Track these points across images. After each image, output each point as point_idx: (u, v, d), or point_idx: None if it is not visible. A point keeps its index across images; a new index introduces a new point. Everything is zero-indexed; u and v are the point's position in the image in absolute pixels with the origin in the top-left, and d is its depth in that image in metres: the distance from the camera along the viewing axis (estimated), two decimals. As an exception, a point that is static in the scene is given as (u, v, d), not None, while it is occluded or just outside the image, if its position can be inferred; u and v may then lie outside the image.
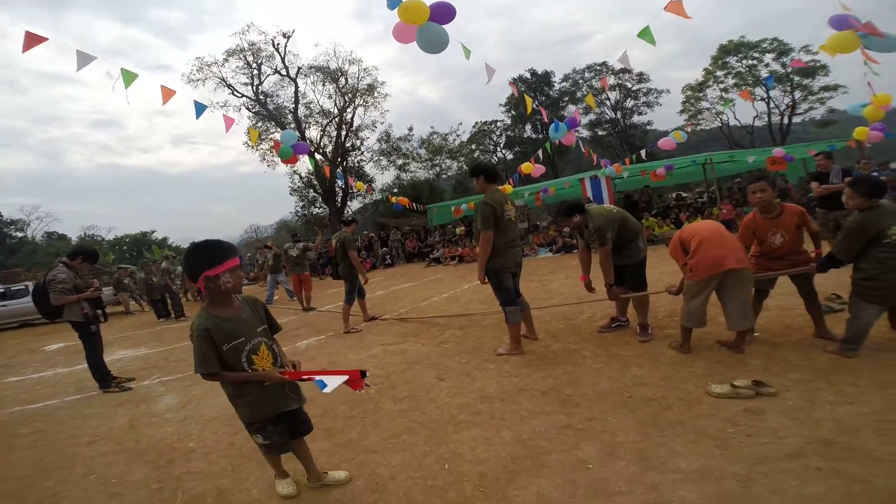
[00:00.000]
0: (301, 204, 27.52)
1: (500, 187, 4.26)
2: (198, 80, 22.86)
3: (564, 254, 12.01)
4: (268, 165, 24.26)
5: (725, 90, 30.38)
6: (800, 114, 29.89)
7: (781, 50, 28.36)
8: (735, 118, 32.28)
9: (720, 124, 32.61)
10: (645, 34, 4.69)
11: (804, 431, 2.24)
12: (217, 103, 23.53)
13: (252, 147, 22.63)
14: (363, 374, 2.02)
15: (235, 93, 23.71)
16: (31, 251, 36.44)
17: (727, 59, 30.10)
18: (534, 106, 7.27)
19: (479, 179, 4.08)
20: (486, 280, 4.03)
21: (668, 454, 2.22)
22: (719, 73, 30.61)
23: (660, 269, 6.56)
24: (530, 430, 2.66)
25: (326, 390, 1.93)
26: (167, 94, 4.86)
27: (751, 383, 2.69)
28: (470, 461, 2.42)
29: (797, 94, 28.96)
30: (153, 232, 42.50)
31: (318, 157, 24.55)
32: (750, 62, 29.54)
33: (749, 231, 3.51)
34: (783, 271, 3.42)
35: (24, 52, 3.72)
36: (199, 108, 5.28)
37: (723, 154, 14.31)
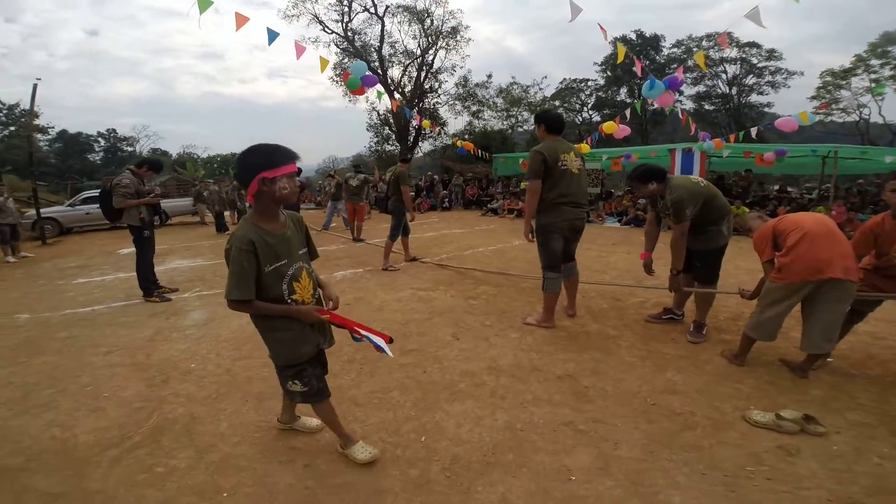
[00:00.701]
0: (376, 140, 27.68)
1: (574, 145, 3.69)
2: (293, 15, 22.96)
3: (634, 227, 10.99)
4: (349, 101, 24.43)
5: (877, 81, 25.26)
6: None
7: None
8: (879, 113, 27.08)
9: (857, 118, 27.62)
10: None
11: (833, 485, 1.83)
12: (309, 38, 23.72)
13: (336, 82, 22.74)
14: (390, 340, 1.83)
15: (326, 29, 23.58)
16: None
17: (890, 48, 24.74)
18: (627, 56, 6.29)
19: (540, 128, 3.59)
20: (532, 237, 3.59)
21: (665, 483, 1.83)
22: (875, 61, 25.26)
23: (736, 264, 5.72)
24: (527, 419, 2.33)
25: (359, 342, 1.81)
26: (240, 20, 4.71)
27: (800, 417, 2.18)
28: (450, 439, 2.16)
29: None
30: (241, 153, 45.28)
31: (396, 95, 24.29)
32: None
33: (869, 237, 2.71)
34: None
35: None
36: (272, 35, 5.14)
37: (853, 149, 11.95)
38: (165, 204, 15.09)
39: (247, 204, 11.42)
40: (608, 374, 2.81)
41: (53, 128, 41.36)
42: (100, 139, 46.24)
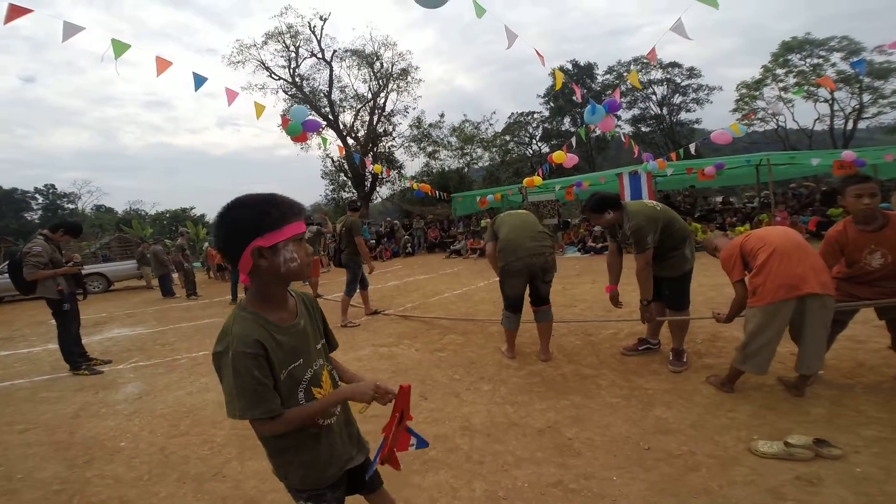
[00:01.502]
0: (332, 188, 27.43)
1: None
2: (238, 62, 22.93)
3: (594, 255, 11.13)
4: (301, 148, 24.21)
5: (785, 89, 28.08)
6: (867, 118, 27.30)
7: (852, 49, 25.77)
8: (793, 119, 29.89)
9: (776, 126, 30.26)
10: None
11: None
12: (255, 85, 23.66)
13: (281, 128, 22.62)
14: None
15: (273, 75, 23.64)
16: (80, 222, 38.22)
17: (789, 57, 27.73)
18: (565, 80, 6.46)
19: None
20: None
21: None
22: (779, 71, 28.26)
23: (699, 281, 5.70)
24: (510, 485, 2.06)
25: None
26: (162, 65, 4.44)
27: (811, 442, 2.03)
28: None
29: (866, 97, 26.39)
30: (192, 208, 43.80)
31: (349, 139, 24.35)
32: (815, 61, 27.10)
33: (836, 247, 2.67)
34: (876, 301, 2.61)
35: (5, 23, 3.35)
36: (199, 81, 4.87)
37: (782, 155, 12.89)
38: (107, 268, 14.10)
39: (195, 264, 10.76)
40: (592, 421, 2.59)
41: (-19, 184, 38.72)
42: (37, 196, 43.68)
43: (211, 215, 43.40)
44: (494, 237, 3.74)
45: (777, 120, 29.89)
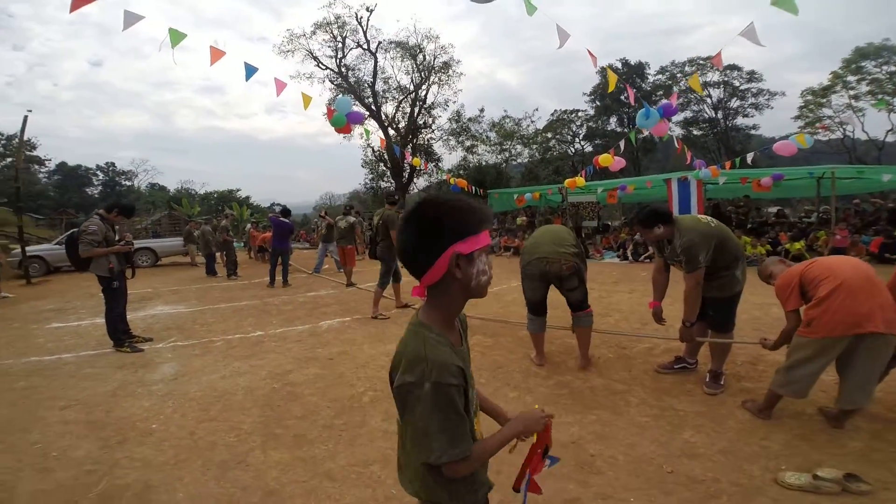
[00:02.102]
0: (371, 177, 27.82)
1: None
2: (287, 51, 23.50)
3: (633, 262, 10.74)
4: (344, 137, 24.64)
5: (856, 97, 26.02)
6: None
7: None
8: (863, 130, 27.68)
9: (842, 135, 28.16)
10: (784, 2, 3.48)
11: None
12: (303, 74, 24.22)
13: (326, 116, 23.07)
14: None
15: (320, 65, 24.11)
16: (135, 198, 40.54)
17: (863, 64, 25.63)
18: (618, 84, 6.19)
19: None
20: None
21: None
22: (851, 78, 26.17)
23: (744, 299, 5.34)
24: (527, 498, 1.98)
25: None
26: (216, 54, 4.57)
27: (841, 476, 1.93)
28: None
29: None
30: (238, 190, 45.43)
31: (390, 130, 24.56)
32: (892, 68, 24.91)
33: None
34: None
35: (71, 11, 3.51)
36: (250, 71, 5.00)
37: (848, 169, 11.92)
38: (156, 244, 14.86)
39: (237, 244, 11.15)
40: (617, 439, 2.49)
41: (51, 160, 41.55)
42: (98, 173, 46.56)
43: (256, 198, 45.03)
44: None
45: (844, 129, 27.84)
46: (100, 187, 45.87)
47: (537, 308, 3.60)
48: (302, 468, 2.31)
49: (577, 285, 3.43)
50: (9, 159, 32.99)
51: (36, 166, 38.47)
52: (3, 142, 33.90)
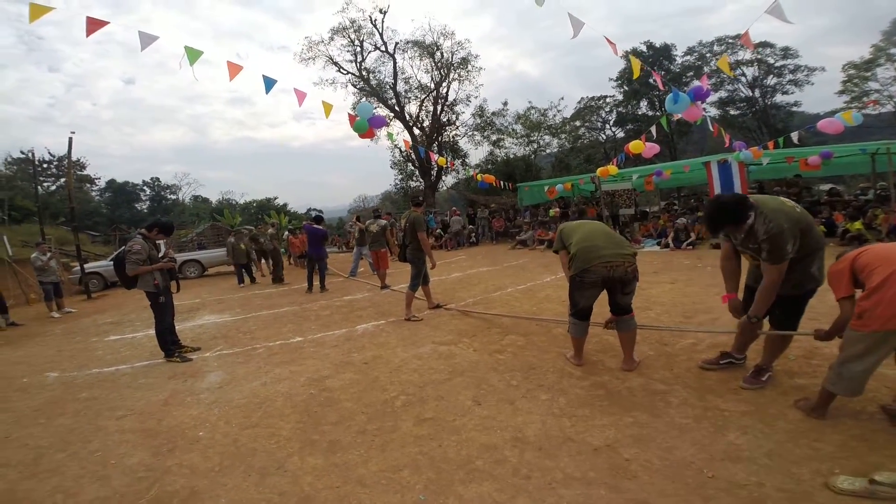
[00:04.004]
0: (400, 177, 28.08)
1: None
2: (308, 58, 24.05)
3: (674, 250, 10.33)
4: (371, 140, 25.00)
5: None
6: None
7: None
8: None
9: (893, 109, 26.15)
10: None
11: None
12: (326, 80, 24.74)
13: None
14: None
15: (341, 70, 24.55)
16: (180, 211, 42.61)
17: None
18: (642, 70, 5.97)
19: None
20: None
21: None
22: (894, 50, 24.38)
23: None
24: None
25: None
26: (233, 69, 4.73)
27: None
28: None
29: None
30: (276, 198, 46.91)
31: (415, 130, 24.69)
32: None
33: None
34: None
35: (87, 36, 3.71)
36: (269, 83, 5.15)
37: (906, 143, 11.02)
38: (201, 255, 15.56)
39: (286, 252, 11.69)
40: (655, 442, 2.40)
41: (100, 178, 44.07)
42: (145, 188, 49.14)
43: (292, 205, 46.33)
44: (563, 245, 3.52)
45: (894, 102, 25.82)
46: (147, 202, 48.37)
47: (587, 313, 3.41)
48: (336, 474, 2.37)
49: (634, 288, 3.30)
50: (62, 180, 35.32)
51: (87, 185, 41.00)
52: (55, 163, 36.14)
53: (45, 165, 35.33)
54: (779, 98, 30.15)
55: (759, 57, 29.05)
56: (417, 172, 25.83)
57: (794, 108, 30.05)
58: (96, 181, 43.16)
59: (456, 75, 24.47)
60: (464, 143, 26.37)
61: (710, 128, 9.08)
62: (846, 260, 2.35)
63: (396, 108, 24.42)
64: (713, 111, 30.68)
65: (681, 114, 6.38)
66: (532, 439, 2.54)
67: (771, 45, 28.97)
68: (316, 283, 8.93)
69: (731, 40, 28.59)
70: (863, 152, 10.53)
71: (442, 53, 24.07)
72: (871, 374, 2.27)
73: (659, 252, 10.42)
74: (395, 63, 24.35)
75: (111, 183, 45.89)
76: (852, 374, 2.27)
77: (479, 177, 11.07)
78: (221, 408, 3.40)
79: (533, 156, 26.74)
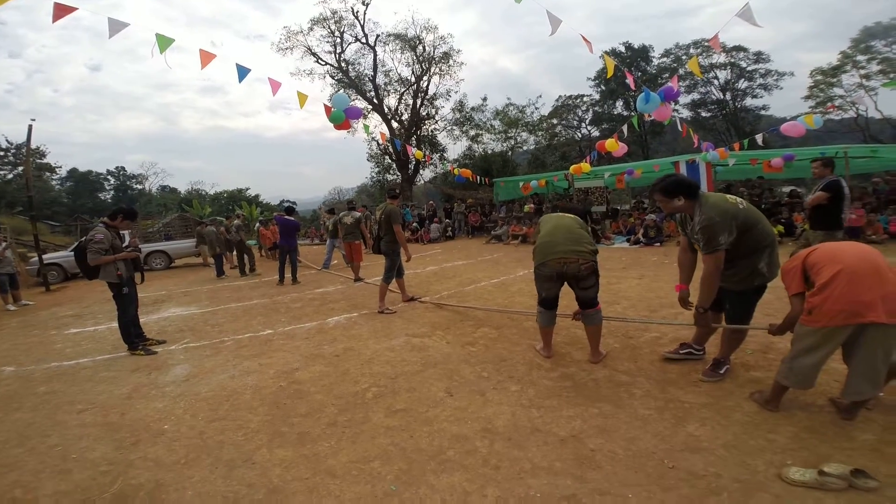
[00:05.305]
0: (377, 170, 27.84)
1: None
2: (286, 48, 23.49)
3: (643, 246, 10.62)
4: (348, 131, 24.67)
5: (867, 77, 25.45)
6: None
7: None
8: (876, 108, 27.03)
9: (855, 114, 27.49)
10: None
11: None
12: (303, 71, 24.23)
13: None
14: None
15: (320, 61, 24.07)
16: (146, 201, 41.12)
17: (872, 43, 25.25)
18: (616, 66, 6.10)
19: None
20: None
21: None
22: (861, 57, 25.66)
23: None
24: (522, 494, 2.03)
25: None
26: (206, 57, 4.57)
27: (849, 472, 1.88)
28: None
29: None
30: (247, 189, 45.80)
31: (394, 123, 24.49)
32: (902, 48, 24.38)
33: None
34: None
35: (53, 21, 3.52)
36: (242, 72, 5.00)
37: (862, 148, 11.64)
38: (168, 246, 15.07)
39: (252, 241, 11.50)
40: (619, 432, 2.48)
41: (61, 167, 42.09)
42: (109, 177, 47.19)
43: (265, 196, 45.33)
44: (538, 234, 3.64)
45: (857, 108, 27.16)
46: (112, 192, 46.56)
47: (551, 303, 3.53)
48: (305, 466, 2.36)
49: (593, 284, 3.37)
50: (20, 168, 33.55)
51: (47, 174, 39.09)
52: (12, 151, 34.35)
53: (1, 153, 33.48)
54: (748, 102, 31.42)
55: (732, 60, 30.06)
56: (395, 165, 25.68)
57: (763, 112, 31.26)
58: (57, 170, 41.19)
59: (437, 69, 24.37)
60: (442, 138, 26.37)
61: (680, 128, 9.35)
62: (798, 258, 2.44)
63: (375, 100, 24.15)
64: (686, 113, 31.64)
65: (651, 113, 6.55)
66: (502, 430, 2.58)
67: (745, 49, 30.05)
68: (288, 275, 8.80)
69: (706, 43, 29.48)
70: (822, 156, 11.03)
71: (424, 47, 23.92)
72: (820, 368, 2.37)
73: (628, 248, 10.71)
74: (375, 55, 24.09)
75: (73, 172, 43.91)
76: (803, 367, 2.37)
77: (455, 170, 11.09)
78: (187, 401, 3.33)
79: (510, 152, 26.94)
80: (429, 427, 2.68)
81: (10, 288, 8.75)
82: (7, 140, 34.51)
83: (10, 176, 33.78)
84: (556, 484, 2.08)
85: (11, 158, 34.42)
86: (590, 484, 2.06)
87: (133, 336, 4.73)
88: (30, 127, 11.16)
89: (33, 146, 10.71)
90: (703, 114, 32.22)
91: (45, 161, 38.12)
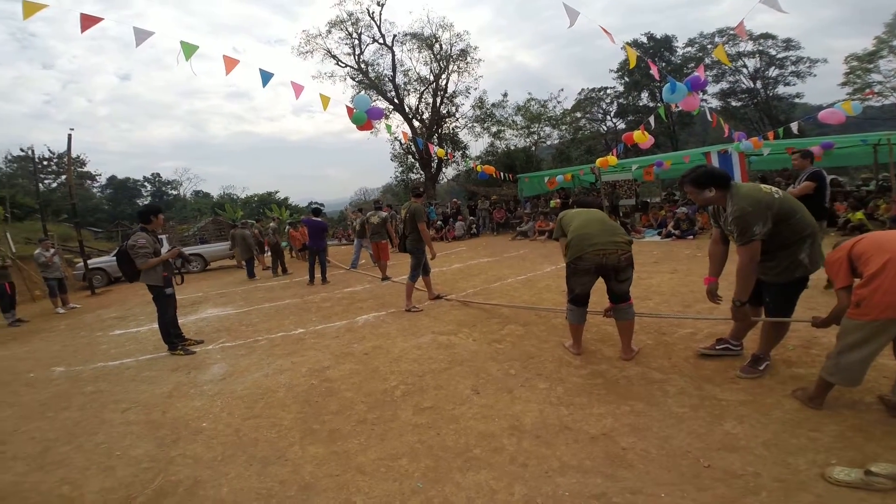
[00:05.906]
0: (401, 169, 28.04)
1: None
2: (306, 52, 23.91)
3: (675, 240, 10.33)
4: (371, 132, 24.94)
5: None
6: None
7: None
8: None
9: None
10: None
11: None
12: (324, 73, 24.63)
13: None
14: None
15: (340, 63, 24.39)
16: (181, 206, 42.67)
17: None
18: (639, 57, 5.94)
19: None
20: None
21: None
22: None
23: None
24: (550, 492, 2.00)
25: None
26: (230, 63, 4.70)
27: None
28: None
29: None
30: (276, 192, 46.84)
31: (415, 122, 24.61)
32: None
33: None
34: None
35: (82, 32, 3.68)
36: (266, 77, 5.12)
37: (906, 135, 10.96)
38: (204, 249, 15.60)
39: (283, 243, 11.88)
40: (652, 431, 2.42)
41: (101, 174, 44.04)
42: (146, 184, 49.15)
43: (293, 198, 46.28)
44: (563, 233, 3.51)
45: (896, 94, 25.68)
46: (149, 198, 48.44)
47: (584, 299, 3.43)
48: (335, 462, 2.41)
49: (629, 276, 3.30)
50: (62, 177, 35.23)
51: (88, 181, 40.98)
52: (54, 160, 35.98)
53: (45, 163, 35.26)
54: (781, 90, 30.11)
55: (760, 48, 28.88)
56: (417, 164, 25.79)
57: (797, 100, 29.93)
58: (97, 178, 43.18)
59: (455, 67, 24.39)
60: (464, 135, 26.33)
61: (710, 118, 9.04)
62: (843, 248, 2.32)
63: (396, 100, 24.31)
64: (715, 102, 30.59)
65: (679, 103, 6.36)
66: (529, 428, 2.57)
67: (773, 37, 28.83)
68: (317, 275, 8.98)
69: (732, 31, 28.38)
70: (864, 143, 10.50)
71: (441, 45, 23.95)
72: (869, 363, 2.25)
73: (659, 242, 10.42)
74: (393, 55, 24.24)
75: (112, 179, 45.95)
76: (850, 363, 2.25)
77: (478, 167, 11.06)
78: (224, 399, 3.44)
79: (533, 147, 26.63)
80: (455, 425, 2.69)
81: (59, 292, 9.25)
82: (49, 150, 36.28)
83: (54, 185, 35.49)
84: (585, 482, 2.05)
85: (54, 168, 36.09)
86: (621, 483, 2.02)
87: (173, 336, 4.92)
88: (69, 136, 11.70)
89: (73, 155, 11.25)
90: (734, 103, 31.05)
91: (85, 169, 39.96)
